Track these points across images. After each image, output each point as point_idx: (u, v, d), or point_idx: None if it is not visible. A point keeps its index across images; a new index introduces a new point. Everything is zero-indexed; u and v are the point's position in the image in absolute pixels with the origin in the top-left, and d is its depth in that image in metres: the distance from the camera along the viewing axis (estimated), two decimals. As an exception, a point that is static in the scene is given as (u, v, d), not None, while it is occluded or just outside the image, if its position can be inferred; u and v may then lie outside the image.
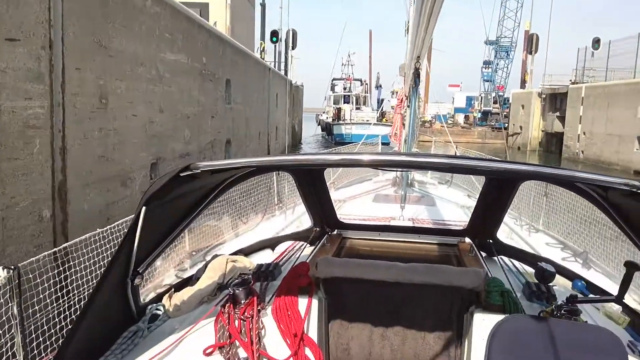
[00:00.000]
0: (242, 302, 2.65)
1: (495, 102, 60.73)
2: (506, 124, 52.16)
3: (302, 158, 2.80)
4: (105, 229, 4.44)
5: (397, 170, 7.83)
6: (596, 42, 38.34)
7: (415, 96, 6.91)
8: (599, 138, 33.84)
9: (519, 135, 46.43)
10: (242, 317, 2.55)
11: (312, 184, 4.03)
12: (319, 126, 53.29)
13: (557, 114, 40.92)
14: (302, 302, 2.69)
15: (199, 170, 2.22)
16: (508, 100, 60.58)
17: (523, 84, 56.07)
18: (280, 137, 33.34)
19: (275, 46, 41.97)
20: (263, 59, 32.63)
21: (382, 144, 13.90)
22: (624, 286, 2.47)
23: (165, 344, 2.45)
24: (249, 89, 22.11)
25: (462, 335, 2.80)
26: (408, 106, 7.44)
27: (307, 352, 2.51)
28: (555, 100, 42.58)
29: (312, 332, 2.63)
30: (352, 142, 18.90)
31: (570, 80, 40.28)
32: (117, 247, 2.41)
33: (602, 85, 34.69)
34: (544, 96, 43.58)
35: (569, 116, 37.87)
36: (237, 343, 2.48)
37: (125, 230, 2.95)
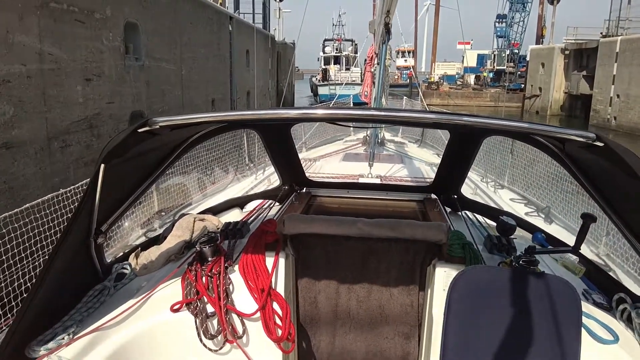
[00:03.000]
0: (209, 259, 2.57)
1: (510, 61, 53.41)
2: (522, 85, 45.17)
3: (258, 113, 2.71)
4: (68, 189, 4.30)
5: (357, 127, 7.96)
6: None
7: (385, 53, 6.69)
8: (637, 101, 27.40)
9: (537, 98, 39.82)
10: (209, 274, 2.49)
11: (279, 142, 3.90)
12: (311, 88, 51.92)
13: (584, 73, 34.60)
14: (269, 258, 2.64)
15: (157, 126, 2.08)
16: (524, 59, 53.54)
17: (538, 40, 48.61)
18: (255, 103, 27.14)
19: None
20: (223, 4, 26.00)
21: (357, 103, 13.22)
22: (580, 237, 2.51)
23: (132, 302, 2.38)
24: (188, 42, 15.86)
25: (425, 287, 2.87)
26: (378, 63, 7.19)
27: (275, 306, 2.49)
28: (582, 57, 35.86)
29: (280, 287, 2.59)
30: None
31: (601, 33, 33.46)
32: (77, 206, 2.29)
33: (644, 37, 27.86)
34: (567, 52, 36.85)
35: (599, 75, 31.38)
36: (205, 299, 2.44)
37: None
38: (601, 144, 1.91)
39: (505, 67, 53.84)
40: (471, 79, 55.45)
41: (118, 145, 2.07)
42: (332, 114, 2.54)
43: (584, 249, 3.79)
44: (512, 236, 3.11)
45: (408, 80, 63.16)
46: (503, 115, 29.53)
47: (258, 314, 2.44)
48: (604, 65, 30.83)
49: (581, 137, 1.94)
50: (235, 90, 22.88)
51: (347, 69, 46.08)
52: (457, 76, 59.96)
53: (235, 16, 23.72)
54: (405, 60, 70.51)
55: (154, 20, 13.60)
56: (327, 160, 7.17)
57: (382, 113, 2.42)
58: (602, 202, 2.46)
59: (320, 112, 2.38)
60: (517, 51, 55.21)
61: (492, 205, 5.30)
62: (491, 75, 54.53)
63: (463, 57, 64.09)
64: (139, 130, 2.07)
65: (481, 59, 58.93)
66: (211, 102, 19.11)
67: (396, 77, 60.99)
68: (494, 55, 55.56)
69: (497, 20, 57.42)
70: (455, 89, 50.50)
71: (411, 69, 66.58)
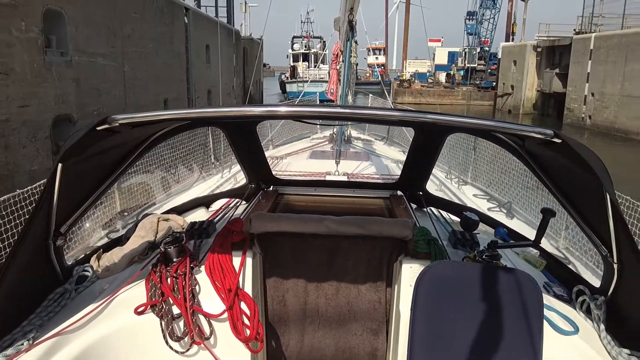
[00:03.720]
0: (175, 260, 2.51)
1: (480, 58, 52.51)
2: (494, 83, 44.23)
3: (221, 110, 2.52)
4: (25, 189, 4.19)
5: (323, 124, 7.80)
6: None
7: (349, 51, 6.55)
8: (612, 100, 26.81)
9: (510, 96, 38.75)
10: (174, 274, 2.43)
11: (244, 140, 3.84)
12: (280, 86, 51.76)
13: (557, 70, 33.64)
14: (236, 258, 2.59)
15: (117, 124, 2.01)
16: (495, 56, 52.59)
17: (508, 37, 47.74)
18: (219, 102, 25.22)
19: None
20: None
21: (323, 100, 13.04)
22: (541, 231, 2.54)
23: (94, 305, 2.31)
24: (131, 34, 13.92)
25: (392, 283, 2.88)
26: (343, 61, 6.98)
27: (242, 306, 2.45)
28: (554, 55, 34.96)
29: (247, 287, 2.56)
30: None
31: (575, 30, 32.36)
32: (33, 207, 2.19)
33: (618, 34, 27.24)
34: (539, 49, 35.81)
35: (572, 73, 30.51)
36: (170, 300, 2.38)
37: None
38: (559, 141, 1.95)
39: (476, 65, 52.94)
40: (442, 76, 54.35)
41: (76, 144, 2.01)
42: (296, 112, 2.57)
43: (545, 243, 3.87)
44: (475, 231, 3.17)
45: (379, 77, 61.90)
46: (474, 114, 28.49)
47: (225, 315, 2.39)
48: (578, 62, 29.98)
49: (540, 134, 1.98)
50: (193, 88, 20.92)
51: (316, 66, 45.69)
52: (428, 74, 58.86)
53: (192, 8, 21.69)
54: (377, 58, 69.71)
55: (84, 8, 11.64)
56: (294, 158, 7.07)
57: (347, 110, 2.39)
58: (561, 196, 2.50)
59: (284, 109, 2.35)
60: (487, 49, 54.42)
61: (456, 201, 5.39)
62: (462, 73, 53.54)
63: (434, 54, 63.13)
64: (98, 128, 2.00)
65: (452, 56, 58.06)
66: (163, 102, 17.14)
67: (367, 74, 59.66)
68: (465, 53, 54.75)
69: (468, 17, 56.74)
70: (427, 87, 49.41)
71: (382, 67, 65.50)
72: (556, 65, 34.58)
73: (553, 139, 1.95)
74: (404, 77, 49.75)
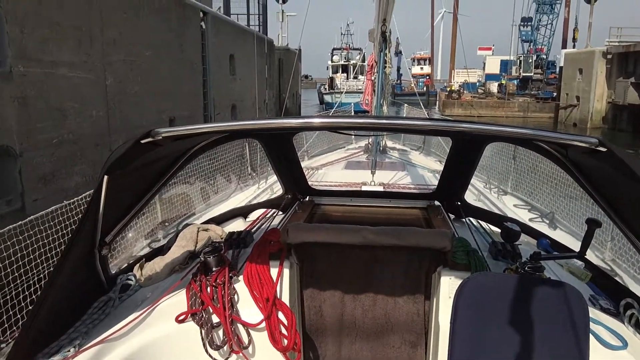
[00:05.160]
0: (214, 269, 2.55)
1: (536, 67, 47.47)
2: (554, 93, 39.29)
3: (259, 122, 2.71)
4: (71, 201, 4.32)
5: (358, 135, 7.82)
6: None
7: (382, 62, 6.50)
8: None
9: (575, 108, 33.78)
10: (213, 284, 2.47)
11: (280, 151, 3.86)
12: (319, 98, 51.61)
13: (632, 80, 28.54)
14: (274, 268, 2.61)
15: (160, 137, 2.07)
16: (553, 64, 47.40)
17: (565, 44, 42.75)
18: (244, 117, 22.03)
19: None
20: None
21: (358, 111, 13.34)
22: (586, 243, 2.50)
23: (137, 313, 2.35)
24: (119, 39, 10.84)
25: (430, 295, 2.82)
26: (377, 72, 6.92)
27: (280, 315, 2.46)
28: (627, 62, 30.31)
29: (285, 297, 2.57)
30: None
31: (656, 33, 27.52)
32: (80, 218, 2.33)
33: None
34: (610, 56, 30.78)
35: (654, 83, 25.45)
36: (210, 309, 2.42)
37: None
38: (604, 149, 1.89)
39: (532, 74, 47.91)
40: (494, 87, 49.48)
41: (121, 157, 2.06)
42: (331, 123, 2.57)
43: (590, 255, 3.66)
44: (516, 242, 3.08)
45: (425, 88, 58.26)
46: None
47: (263, 324, 2.41)
48: (662, 70, 25.14)
49: (584, 142, 1.92)
50: (211, 103, 17.69)
51: (355, 78, 44.87)
52: (478, 84, 54.18)
53: (212, 11, 18.52)
54: (422, 68, 66.40)
55: (37, 2, 8.47)
56: (330, 169, 7.10)
57: (381, 121, 2.47)
58: (606, 207, 2.41)
59: (319, 120, 2.37)
60: (544, 56, 49.24)
61: (496, 211, 5.22)
62: (516, 82, 48.57)
63: (484, 63, 58.26)
64: (142, 142, 2.04)
65: (505, 65, 53.07)
66: (168, 121, 13.93)
67: (412, 85, 55.92)
68: (520, 61, 49.67)
69: (522, 23, 51.78)
70: (478, 98, 44.79)
71: (428, 77, 61.46)
72: (630, 73, 30.25)
73: (598, 148, 1.88)
74: (453, 88, 45.24)
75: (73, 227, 4.17)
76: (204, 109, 17.15)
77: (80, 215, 4.14)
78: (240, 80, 21.46)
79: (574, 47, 40.19)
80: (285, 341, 2.39)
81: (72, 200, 4.33)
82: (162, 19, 13.65)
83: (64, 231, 4.23)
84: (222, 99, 19.02)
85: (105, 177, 2.10)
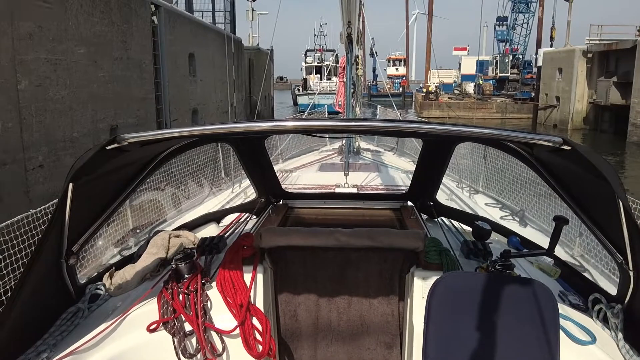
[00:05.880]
0: (186, 276, 2.50)
1: (513, 67, 46.50)
2: (532, 94, 38.24)
3: (229, 126, 2.59)
4: (38, 209, 4.20)
5: (332, 137, 7.83)
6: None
7: (351, 64, 6.48)
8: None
9: (554, 109, 32.61)
10: (185, 291, 2.42)
11: (253, 155, 3.82)
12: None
13: (614, 79, 27.33)
14: (247, 273, 2.58)
15: (126, 143, 2.03)
16: (529, 64, 46.40)
17: (539, 43, 42.02)
18: (208, 122, 20.09)
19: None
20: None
21: (331, 112, 12.32)
22: (554, 240, 2.54)
23: (107, 323, 2.29)
24: (36, 34, 8.79)
25: (404, 295, 2.83)
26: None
27: (254, 321, 2.43)
28: (608, 61, 29.27)
29: (259, 302, 2.55)
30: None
31: (639, 31, 26.41)
32: (46, 227, 2.28)
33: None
34: (590, 55, 29.62)
35: (638, 82, 24.30)
36: (182, 317, 2.37)
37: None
38: (568, 148, 1.92)
39: (508, 74, 46.91)
40: (470, 87, 48.29)
41: (86, 164, 2.03)
42: (303, 126, 2.47)
43: (559, 251, 3.77)
44: (487, 241, 3.10)
45: (401, 89, 56.97)
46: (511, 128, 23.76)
47: (237, 331, 2.37)
48: (645, 69, 24.10)
49: (548, 141, 1.95)
50: (166, 108, 15.64)
51: (329, 79, 44.92)
52: (454, 84, 52.97)
53: (166, 5, 16.34)
54: (397, 69, 65.40)
55: None
56: (304, 171, 7.08)
57: (353, 123, 2.46)
58: (573, 203, 2.45)
59: (291, 124, 2.34)
60: (520, 56, 48.30)
61: (468, 210, 5.29)
62: (492, 83, 47.49)
63: (459, 64, 57.24)
64: (107, 148, 2.02)
65: (481, 65, 52.00)
66: (109, 130, 11.85)
67: (388, 86, 54.54)
68: (496, 61, 48.64)
69: (497, 23, 50.83)
70: (455, 99, 43.46)
71: (404, 78, 60.34)
72: (612, 73, 29.14)
73: (562, 146, 1.92)
74: (430, 89, 43.78)
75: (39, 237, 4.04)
76: (157, 114, 15.06)
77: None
78: (202, 81, 19.46)
79: (551, 46, 39.21)
80: (260, 347, 2.36)
81: (38, 209, 4.20)
82: (99, 11, 11.55)
83: (31, 241, 4.09)
84: (180, 103, 16.99)
85: (71, 185, 2.06)
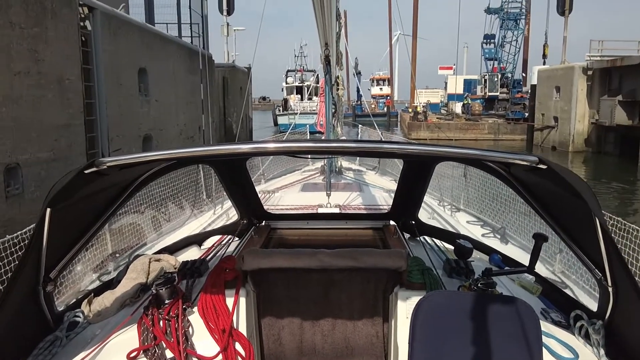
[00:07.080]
0: (167, 302, 2.45)
1: (502, 86, 44.14)
2: (525, 114, 35.73)
3: (209, 149, 2.62)
4: (14, 235, 4.03)
5: (313, 157, 7.67)
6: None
7: (330, 85, 6.48)
8: None
9: (553, 130, 29.99)
10: (166, 317, 2.37)
11: (234, 176, 3.81)
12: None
13: (619, 97, 24.97)
14: (230, 297, 2.54)
15: (104, 167, 2.01)
16: (519, 83, 44.05)
17: (525, 63, 39.69)
18: (170, 147, 16.48)
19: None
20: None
21: (313, 132, 12.97)
22: (534, 257, 2.58)
23: (86, 351, 2.24)
24: None
25: (388, 316, 2.83)
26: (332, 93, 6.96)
27: (237, 346, 2.39)
28: (611, 78, 26.72)
29: (242, 326, 2.52)
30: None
31: (645, 45, 24.18)
32: (22, 253, 2.22)
33: None
34: (591, 72, 27.14)
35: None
36: (163, 344, 2.32)
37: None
38: (544, 167, 1.94)
39: (498, 94, 44.52)
40: (458, 107, 45.69)
41: (64, 188, 2.00)
42: (284, 147, 2.49)
43: (540, 268, 3.79)
44: (469, 259, 3.11)
45: (385, 109, 54.57)
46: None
47: (220, 357, 2.33)
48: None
49: (524, 160, 1.98)
50: (104, 136, 12.36)
51: (310, 99, 43.02)
52: (440, 104, 50.49)
53: (105, 8, 13.09)
54: (381, 89, 63.30)
55: None
56: (286, 192, 7.03)
57: (334, 145, 2.42)
58: (551, 221, 2.46)
59: (272, 145, 2.35)
60: (510, 75, 46.01)
61: (450, 228, 5.32)
62: (481, 102, 45.00)
63: (446, 83, 54.90)
64: (86, 172, 1.99)
65: (468, 84, 49.68)
66: (2, 173, 8.51)
67: (372, 106, 51.90)
68: (485, 80, 46.30)
69: (485, 41, 48.70)
70: (445, 119, 40.74)
71: (388, 98, 58.16)
72: (615, 91, 26.88)
73: (539, 165, 1.95)
74: (418, 109, 40.95)
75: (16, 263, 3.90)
76: (90, 144, 11.76)
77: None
78: (157, 102, 16.18)
79: (544, 63, 36.89)
80: None
81: (15, 235, 4.00)
82: (30, 18, 8.36)
83: (7, 267, 3.91)
84: (125, 128, 13.73)
85: (48, 210, 2.03)
